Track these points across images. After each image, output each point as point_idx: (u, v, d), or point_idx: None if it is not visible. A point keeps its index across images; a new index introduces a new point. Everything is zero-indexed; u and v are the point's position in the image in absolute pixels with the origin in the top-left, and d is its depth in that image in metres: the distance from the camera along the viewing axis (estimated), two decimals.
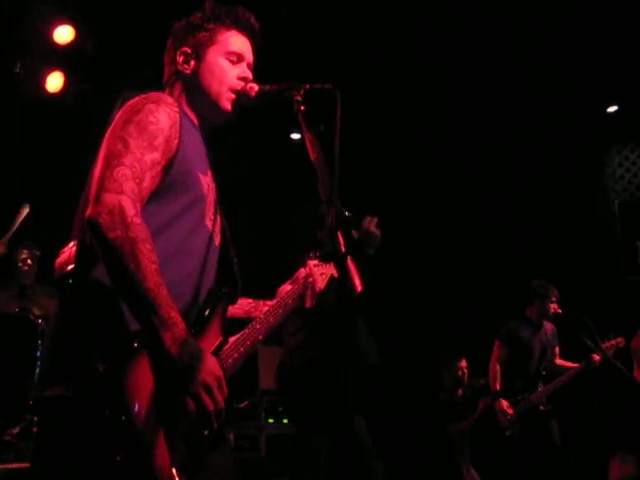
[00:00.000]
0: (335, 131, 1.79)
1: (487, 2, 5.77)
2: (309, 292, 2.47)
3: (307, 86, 2.00)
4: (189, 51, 2.17)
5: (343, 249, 1.69)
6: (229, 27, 2.20)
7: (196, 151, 2.07)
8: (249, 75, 2.20)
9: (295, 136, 7.43)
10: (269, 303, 2.41)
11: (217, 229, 2.14)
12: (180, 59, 2.18)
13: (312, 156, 1.84)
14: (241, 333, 2.16)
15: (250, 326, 2.21)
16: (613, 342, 5.86)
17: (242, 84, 2.15)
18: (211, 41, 2.17)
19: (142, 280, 1.67)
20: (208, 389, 1.70)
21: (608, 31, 6.15)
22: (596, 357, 5.82)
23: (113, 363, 1.68)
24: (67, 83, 5.85)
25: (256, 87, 2.14)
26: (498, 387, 5.97)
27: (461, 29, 6.07)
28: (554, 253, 7.29)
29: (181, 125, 1.97)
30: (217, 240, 2.14)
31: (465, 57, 6.42)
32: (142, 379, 1.70)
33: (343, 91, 1.87)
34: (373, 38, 6.11)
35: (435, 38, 6.19)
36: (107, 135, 1.89)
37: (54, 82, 5.81)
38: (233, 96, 2.15)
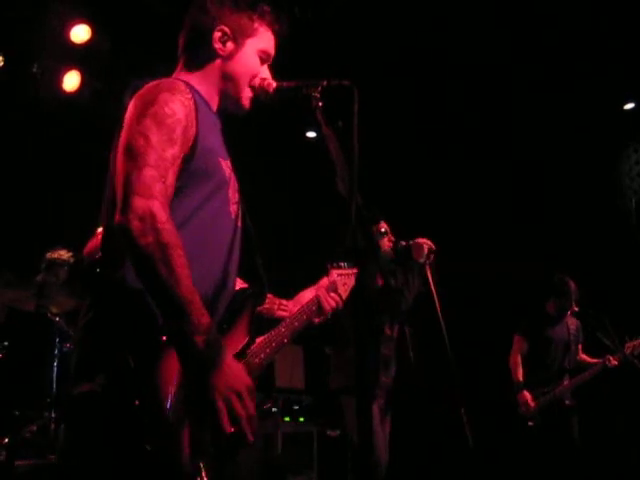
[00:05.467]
0: (353, 127, 1.79)
1: None
2: (331, 302, 2.56)
3: (325, 82, 2.00)
4: (228, 32, 2.12)
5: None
6: (268, 26, 2.20)
7: (215, 137, 2.08)
8: (269, 76, 2.21)
9: (310, 134, 7.43)
10: (285, 302, 2.51)
11: (240, 213, 2.16)
12: (217, 35, 2.12)
13: (331, 152, 1.84)
14: (267, 335, 2.25)
15: (276, 329, 2.31)
16: (636, 342, 5.84)
17: (260, 80, 2.16)
18: (253, 33, 2.16)
19: (175, 286, 1.67)
20: (239, 395, 1.72)
21: (625, 28, 6.11)
22: (612, 360, 5.82)
23: (143, 357, 1.71)
24: (83, 82, 5.89)
25: (274, 84, 2.16)
26: (520, 377, 5.97)
27: (476, 24, 6.05)
28: (571, 251, 7.24)
29: (197, 111, 1.95)
30: (239, 223, 2.15)
31: (480, 53, 6.39)
32: (171, 372, 1.72)
33: (360, 87, 1.87)
34: (387, 31, 6.10)
35: (449, 32, 6.18)
36: (125, 127, 1.87)
37: (71, 81, 5.85)
38: (251, 94, 2.17)
